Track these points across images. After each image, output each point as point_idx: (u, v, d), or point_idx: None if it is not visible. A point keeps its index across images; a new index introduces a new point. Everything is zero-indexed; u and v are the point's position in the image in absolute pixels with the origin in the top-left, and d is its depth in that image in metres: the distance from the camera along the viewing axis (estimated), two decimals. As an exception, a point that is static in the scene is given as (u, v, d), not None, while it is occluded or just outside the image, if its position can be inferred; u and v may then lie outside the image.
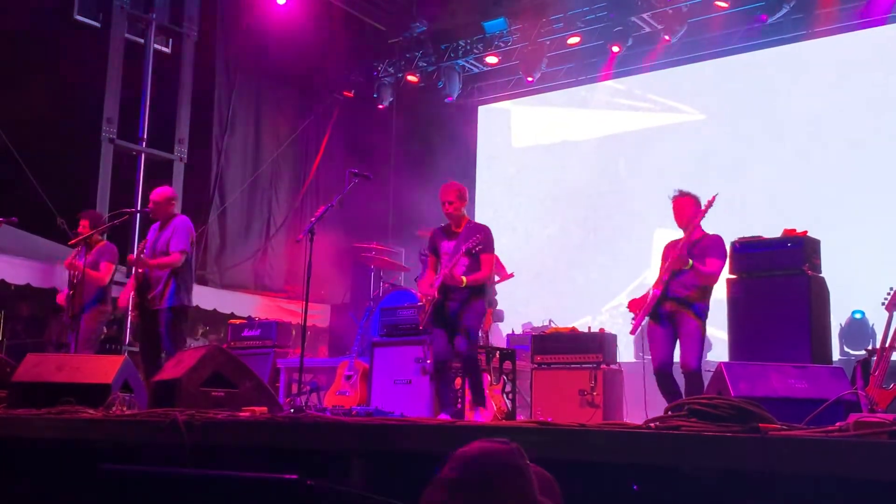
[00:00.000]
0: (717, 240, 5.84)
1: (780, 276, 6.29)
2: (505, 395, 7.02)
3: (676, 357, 5.82)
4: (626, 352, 8.57)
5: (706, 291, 5.79)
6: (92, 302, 7.18)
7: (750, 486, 2.92)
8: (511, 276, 8.56)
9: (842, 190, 9.61)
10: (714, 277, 5.76)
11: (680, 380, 5.74)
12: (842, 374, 4.42)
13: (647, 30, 10.93)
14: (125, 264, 7.98)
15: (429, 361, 6.92)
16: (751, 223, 6.70)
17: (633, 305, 5.97)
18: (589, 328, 7.57)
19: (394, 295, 8.59)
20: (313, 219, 6.06)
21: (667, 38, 10.54)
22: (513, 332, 9.78)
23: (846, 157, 9.77)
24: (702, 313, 5.74)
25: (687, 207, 5.89)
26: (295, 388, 7.94)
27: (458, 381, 6.58)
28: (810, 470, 2.75)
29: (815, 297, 6.19)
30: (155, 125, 10.77)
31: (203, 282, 10.97)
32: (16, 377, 5.14)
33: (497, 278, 8.37)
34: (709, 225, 5.95)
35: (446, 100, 12.46)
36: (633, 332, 6.08)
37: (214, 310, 11.06)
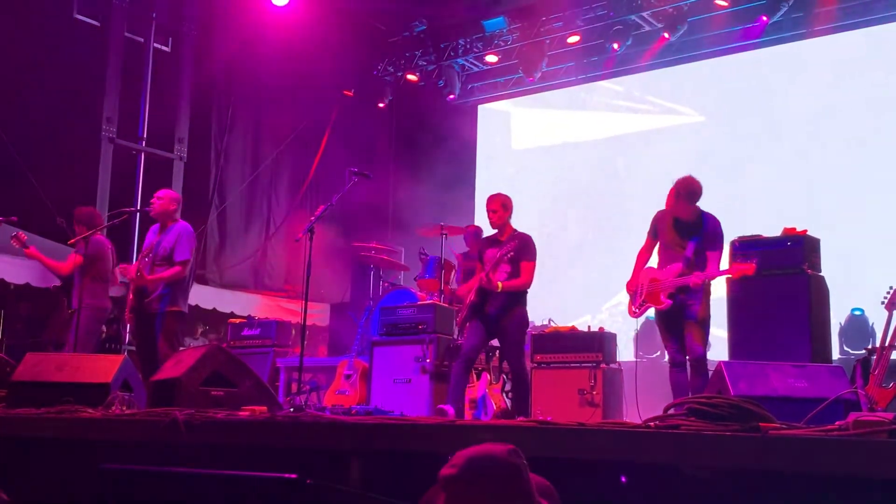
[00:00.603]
0: (716, 229, 5.82)
1: (780, 275, 6.29)
2: (505, 395, 7.02)
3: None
4: (625, 351, 8.57)
5: (709, 285, 5.84)
6: (88, 296, 6.92)
7: (750, 485, 2.92)
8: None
9: (842, 189, 9.60)
10: (716, 273, 5.77)
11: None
12: (841, 373, 4.43)
13: (647, 28, 10.92)
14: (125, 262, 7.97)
15: (428, 360, 6.93)
16: (750, 223, 6.71)
17: (630, 285, 6.01)
18: (588, 327, 7.57)
19: (393, 294, 8.60)
20: (313, 218, 6.05)
21: (666, 35, 10.55)
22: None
23: (846, 155, 9.76)
24: (705, 301, 5.77)
25: (680, 203, 5.87)
26: (294, 388, 7.93)
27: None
28: (810, 469, 2.75)
29: (814, 295, 6.19)
30: (154, 124, 10.77)
31: (203, 281, 10.97)
32: (15, 377, 5.14)
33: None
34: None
35: (448, 98, 12.46)
36: (634, 315, 6.07)
37: (214, 309, 11.06)
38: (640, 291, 5.92)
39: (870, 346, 6.30)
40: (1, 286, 9.18)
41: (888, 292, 5.86)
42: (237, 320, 9.47)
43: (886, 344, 5.61)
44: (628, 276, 6.11)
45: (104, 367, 5.10)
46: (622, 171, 11.60)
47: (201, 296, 10.53)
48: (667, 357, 6.00)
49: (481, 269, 6.29)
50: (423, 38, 12.43)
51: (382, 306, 7.90)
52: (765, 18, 9.95)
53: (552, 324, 8.58)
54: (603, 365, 7.15)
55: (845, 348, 8.84)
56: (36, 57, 9.46)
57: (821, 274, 6.36)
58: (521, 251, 6.22)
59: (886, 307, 5.82)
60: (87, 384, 4.93)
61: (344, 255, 10.67)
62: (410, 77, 12.71)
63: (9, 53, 9.14)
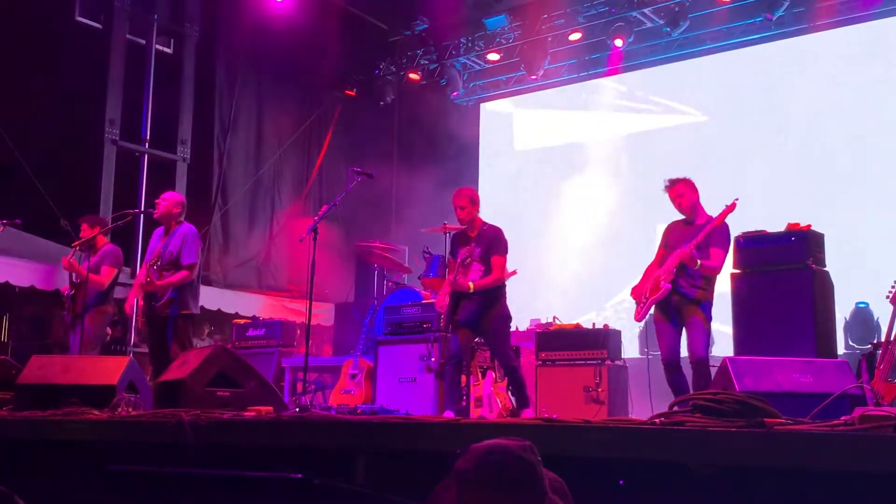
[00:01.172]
0: (723, 227, 5.79)
1: (784, 271, 6.27)
2: (509, 393, 7.02)
3: (684, 351, 5.81)
4: (630, 348, 8.57)
5: (711, 281, 5.77)
6: (92, 303, 7.10)
7: (755, 481, 2.92)
8: (514, 273, 8.55)
9: (845, 183, 9.58)
10: (718, 269, 5.74)
11: (687, 371, 5.72)
12: (847, 368, 4.41)
13: (649, 24, 10.91)
14: (129, 265, 7.97)
15: (433, 359, 6.92)
16: (754, 218, 6.68)
17: (636, 292, 5.96)
18: (593, 324, 7.58)
19: (398, 293, 8.59)
20: (316, 218, 6.06)
21: (667, 30, 10.54)
22: (517, 328, 9.77)
23: (849, 150, 9.74)
24: (707, 303, 5.72)
25: (686, 193, 5.86)
26: (300, 388, 7.93)
27: (463, 378, 6.59)
28: (816, 464, 2.74)
29: (819, 291, 6.17)
30: (157, 126, 10.78)
31: (207, 282, 10.98)
32: (21, 379, 5.15)
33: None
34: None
35: (452, 95, 12.46)
36: (639, 319, 6.06)
37: (219, 310, 11.08)
38: (644, 293, 5.88)
39: (875, 341, 6.28)
40: (6, 289, 9.20)
41: (893, 286, 5.85)
42: (242, 321, 9.48)
43: (892, 338, 5.60)
44: (632, 272, 6.09)
45: (110, 369, 5.11)
46: (625, 171, 11.59)
47: (206, 297, 10.54)
48: None
49: (452, 269, 6.23)
50: (424, 36, 12.44)
51: (387, 305, 7.90)
52: (770, 18, 9.92)
53: (557, 321, 8.57)
54: (608, 362, 7.15)
55: (850, 343, 8.82)
56: (38, 60, 9.48)
57: (825, 269, 6.34)
58: (492, 247, 6.16)
59: (891, 301, 5.81)
60: (93, 386, 4.94)
61: (348, 254, 10.67)
62: (412, 76, 12.71)
63: (11, 56, 9.17)
